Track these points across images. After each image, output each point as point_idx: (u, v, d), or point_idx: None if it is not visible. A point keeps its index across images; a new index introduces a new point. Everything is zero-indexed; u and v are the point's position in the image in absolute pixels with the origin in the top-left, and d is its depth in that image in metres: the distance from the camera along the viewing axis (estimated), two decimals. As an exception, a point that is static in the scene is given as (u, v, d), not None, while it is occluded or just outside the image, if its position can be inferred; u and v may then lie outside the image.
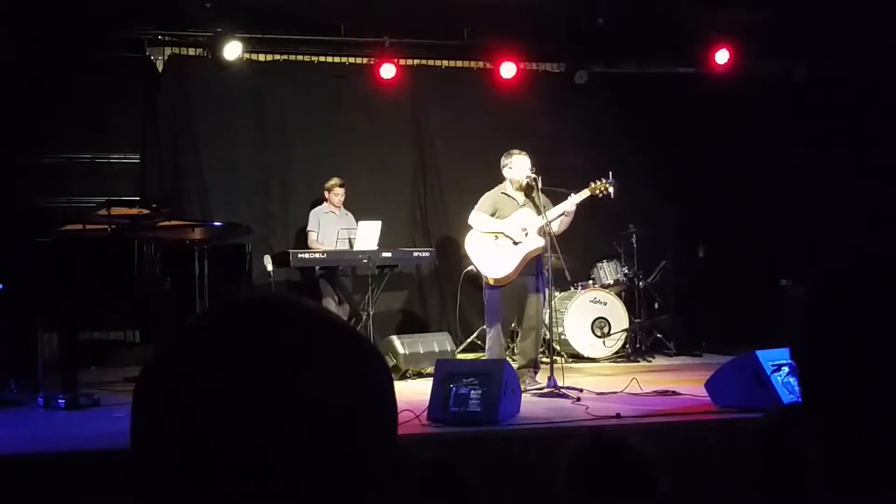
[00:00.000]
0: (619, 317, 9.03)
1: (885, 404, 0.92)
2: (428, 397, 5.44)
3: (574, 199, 7.05)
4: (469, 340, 9.03)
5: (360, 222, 8.66)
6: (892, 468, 0.91)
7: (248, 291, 7.45)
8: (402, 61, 9.86)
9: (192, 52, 9.62)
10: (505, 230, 7.03)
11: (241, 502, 0.75)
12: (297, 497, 0.76)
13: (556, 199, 7.14)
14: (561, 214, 7.02)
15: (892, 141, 9.11)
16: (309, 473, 0.77)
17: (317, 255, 8.43)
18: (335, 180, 8.99)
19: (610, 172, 7.21)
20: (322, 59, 9.91)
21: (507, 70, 9.93)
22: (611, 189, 7.14)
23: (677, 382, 6.78)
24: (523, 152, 7.17)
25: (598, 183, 7.15)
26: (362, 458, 0.80)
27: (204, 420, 0.76)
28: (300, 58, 9.85)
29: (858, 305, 0.96)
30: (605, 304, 9.05)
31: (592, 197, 7.18)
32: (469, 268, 8.02)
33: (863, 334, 0.94)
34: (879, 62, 9.17)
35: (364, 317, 8.19)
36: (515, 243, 6.98)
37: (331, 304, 8.40)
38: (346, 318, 6.16)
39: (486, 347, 7.26)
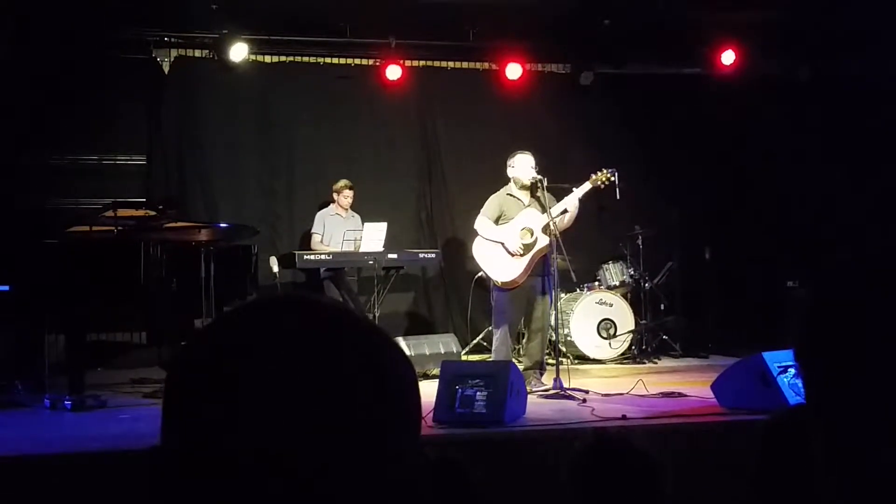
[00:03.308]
0: (625, 318, 9.01)
1: (887, 405, 0.92)
2: (434, 399, 5.44)
3: (577, 193, 7.04)
4: (475, 342, 9.02)
5: (365, 224, 8.66)
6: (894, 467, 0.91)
7: (254, 293, 7.44)
8: (407, 62, 9.85)
9: (198, 53, 9.63)
10: (505, 241, 7.01)
11: (268, 496, 0.76)
12: (325, 490, 0.77)
13: (560, 195, 7.12)
14: (563, 211, 7.00)
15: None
16: (338, 465, 0.78)
17: (322, 257, 8.43)
18: (343, 182, 8.97)
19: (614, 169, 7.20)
20: (328, 60, 9.92)
21: (513, 71, 9.92)
22: (613, 178, 7.11)
23: (683, 384, 6.77)
24: (526, 151, 7.17)
25: (599, 174, 7.13)
26: (392, 451, 0.81)
27: (233, 414, 0.77)
28: (306, 59, 9.86)
29: (860, 305, 0.95)
30: (611, 305, 9.03)
31: (596, 190, 7.15)
32: (480, 273, 7.99)
33: (865, 334, 0.94)
34: (884, 64, 9.14)
35: (370, 318, 8.18)
36: (522, 255, 6.96)
37: (336, 305, 8.38)
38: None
39: (493, 349, 7.25)
